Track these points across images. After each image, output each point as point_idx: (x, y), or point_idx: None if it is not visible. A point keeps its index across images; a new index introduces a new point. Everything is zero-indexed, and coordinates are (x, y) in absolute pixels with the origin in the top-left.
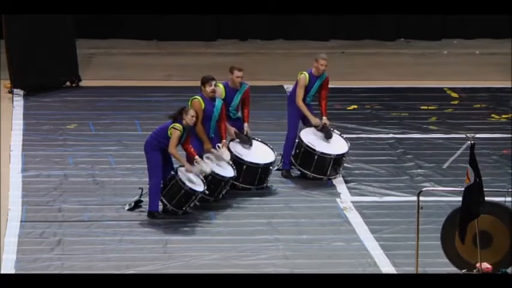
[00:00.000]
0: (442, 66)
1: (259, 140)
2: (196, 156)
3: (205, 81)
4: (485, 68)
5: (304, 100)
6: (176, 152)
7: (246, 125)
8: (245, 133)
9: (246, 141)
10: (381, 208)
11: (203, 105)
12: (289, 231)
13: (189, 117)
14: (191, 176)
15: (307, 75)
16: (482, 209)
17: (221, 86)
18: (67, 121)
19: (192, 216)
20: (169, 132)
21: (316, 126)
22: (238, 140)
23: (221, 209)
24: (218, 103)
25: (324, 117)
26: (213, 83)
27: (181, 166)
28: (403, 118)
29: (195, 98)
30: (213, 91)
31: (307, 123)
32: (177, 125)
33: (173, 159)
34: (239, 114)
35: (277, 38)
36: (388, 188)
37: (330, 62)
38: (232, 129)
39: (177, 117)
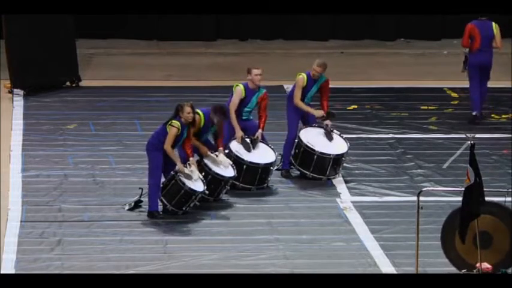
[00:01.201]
0: (442, 66)
1: (260, 140)
2: (191, 158)
3: (216, 113)
4: None
5: (302, 101)
6: (171, 150)
7: (260, 131)
8: (255, 137)
9: (248, 148)
10: (381, 208)
11: (202, 123)
12: (289, 231)
13: (186, 114)
14: (191, 175)
15: (305, 76)
16: (483, 209)
17: (241, 86)
18: (67, 121)
19: (192, 216)
20: (168, 129)
21: (321, 117)
22: (241, 144)
23: (221, 209)
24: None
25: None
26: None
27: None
28: (403, 118)
29: (197, 112)
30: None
31: (306, 123)
32: (175, 122)
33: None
34: (251, 117)
35: (277, 38)
36: (388, 188)
37: (330, 62)
38: (240, 134)
39: (175, 116)
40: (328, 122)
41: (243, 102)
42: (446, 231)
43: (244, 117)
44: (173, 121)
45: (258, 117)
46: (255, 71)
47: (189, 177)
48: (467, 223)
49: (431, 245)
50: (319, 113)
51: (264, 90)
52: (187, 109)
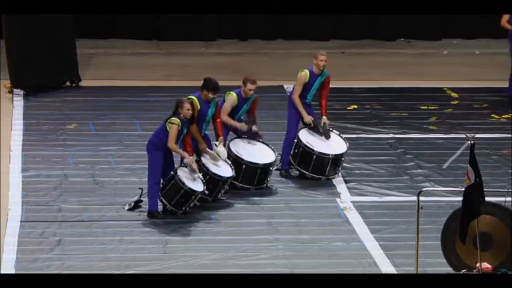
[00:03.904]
0: (442, 66)
1: (261, 140)
2: (191, 157)
3: (211, 89)
4: (485, 68)
5: (305, 99)
6: (175, 146)
7: (253, 126)
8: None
9: (256, 133)
10: (381, 208)
11: (199, 106)
12: (289, 231)
13: (185, 111)
14: (191, 175)
15: (307, 72)
16: (483, 209)
17: (234, 95)
18: (67, 121)
19: (191, 216)
20: (167, 127)
21: (307, 125)
22: (248, 129)
23: (221, 209)
24: (213, 105)
25: (324, 117)
26: (217, 94)
27: (181, 166)
28: (403, 118)
29: (190, 98)
30: (213, 98)
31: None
32: (174, 119)
33: (174, 158)
34: (242, 117)
35: (277, 38)
36: (388, 188)
37: (330, 62)
38: (244, 125)
39: (175, 113)
40: (326, 121)
41: (234, 110)
42: (447, 233)
43: (235, 119)
44: (172, 118)
45: (247, 117)
46: (249, 86)
47: (189, 176)
48: (467, 223)
49: (431, 245)
50: (308, 119)
51: (255, 96)
52: (187, 105)
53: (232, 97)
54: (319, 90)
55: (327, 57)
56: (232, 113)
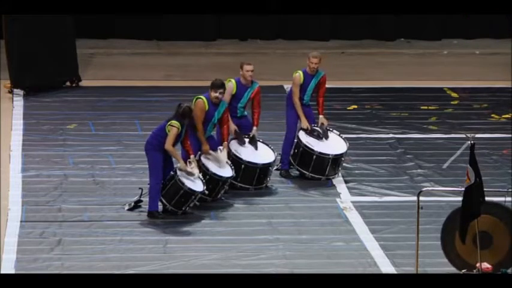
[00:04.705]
0: (442, 66)
1: (260, 140)
2: (192, 156)
3: (214, 86)
4: (485, 68)
5: (301, 100)
6: (173, 149)
7: (254, 128)
8: (251, 136)
9: (243, 143)
10: (381, 208)
11: (207, 107)
12: (289, 231)
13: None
14: (192, 172)
15: (301, 73)
16: (483, 209)
17: (233, 81)
18: (67, 121)
19: (191, 216)
20: (167, 130)
21: (305, 130)
22: (236, 139)
23: (221, 209)
24: (221, 108)
25: (321, 116)
26: (220, 91)
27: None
28: (403, 118)
29: (199, 98)
30: (217, 98)
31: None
32: (175, 122)
33: (174, 159)
34: (245, 112)
35: (277, 38)
36: (388, 188)
37: (330, 62)
38: (233, 127)
39: (175, 116)
40: (323, 121)
41: (235, 98)
42: (447, 232)
43: (238, 115)
44: (173, 121)
45: (251, 113)
46: (246, 67)
47: (189, 175)
48: (467, 223)
49: (431, 245)
50: (306, 124)
51: (257, 85)
52: (192, 110)
53: (231, 84)
54: (316, 90)
55: (323, 58)
56: (234, 102)
